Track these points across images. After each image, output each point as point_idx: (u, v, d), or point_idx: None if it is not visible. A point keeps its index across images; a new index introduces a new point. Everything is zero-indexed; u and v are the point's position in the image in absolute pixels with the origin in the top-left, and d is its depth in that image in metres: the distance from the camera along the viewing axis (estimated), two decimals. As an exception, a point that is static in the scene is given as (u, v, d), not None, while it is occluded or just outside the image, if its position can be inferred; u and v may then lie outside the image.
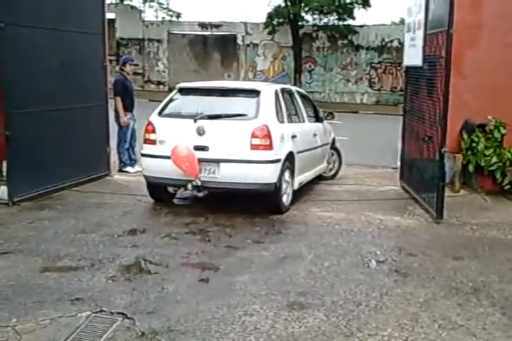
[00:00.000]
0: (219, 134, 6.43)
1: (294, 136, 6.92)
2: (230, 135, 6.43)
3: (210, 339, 3.68)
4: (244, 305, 4.18)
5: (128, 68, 9.08)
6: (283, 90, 7.38)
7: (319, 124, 8.44)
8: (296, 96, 7.92)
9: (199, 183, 6.28)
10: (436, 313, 4.16)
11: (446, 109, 6.34)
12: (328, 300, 4.33)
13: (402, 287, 4.64)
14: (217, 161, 6.32)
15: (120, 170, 8.80)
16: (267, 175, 6.35)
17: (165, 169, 6.40)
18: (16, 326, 3.78)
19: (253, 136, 6.31)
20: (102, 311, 4.02)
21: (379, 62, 25.21)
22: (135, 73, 26.75)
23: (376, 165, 10.18)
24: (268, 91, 6.87)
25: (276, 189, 6.43)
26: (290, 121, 7.17)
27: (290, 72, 25.07)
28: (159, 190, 7.02)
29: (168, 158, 6.30)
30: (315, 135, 7.99)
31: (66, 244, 5.38)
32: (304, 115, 7.85)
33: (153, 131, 6.61)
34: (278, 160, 6.41)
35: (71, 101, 7.41)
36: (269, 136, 6.33)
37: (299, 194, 7.62)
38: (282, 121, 6.85)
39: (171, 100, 6.94)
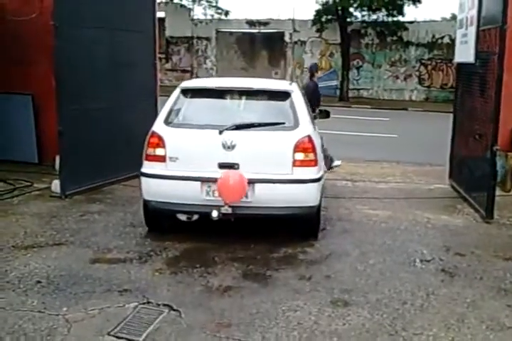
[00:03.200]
0: (252, 149, 5.20)
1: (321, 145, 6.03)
2: (266, 149, 5.21)
3: (253, 333, 3.72)
4: (288, 301, 4.19)
5: (318, 74, 9.61)
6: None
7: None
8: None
9: (229, 210, 4.95)
10: (484, 314, 4.08)
11: (498, 106, 6.19)
12: (372, 297, 4.30)
13: (448, 287, 4.57)
14: (251, 182, 5.04)
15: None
16: (311, 196, 5.23)
17: (178, 192, 5.14)
18: (66, 315, 3.91)
19: (296, 149, 5.15)
20: (148, 303, 4.11)
21: (429, 59, 24.71)
22: (183, 71, 27.24)
23: (424, 163, 10.01)
24: (297, 91, 5.76)
25: (318, 211, 5.45)
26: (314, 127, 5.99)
27: (337, 69, 24.84)
28: (162, 218, 5.68)
29: (185, 179, 5.12)
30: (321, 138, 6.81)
31: (115, 237, 5.52)
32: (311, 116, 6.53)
33: (161, 145, 5.21)
34: (321, 178, 5.36)
35: (121, 98, 7.56)
36: (313, 149, 5.24)
37: (345, 191, 7.57)
38: (314, 129, 5.87)
39: (176, 104, 5.55)
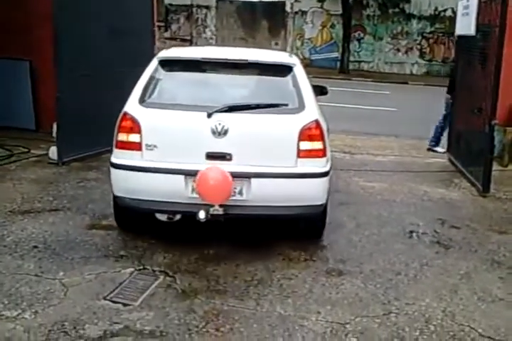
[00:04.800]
0: (247, 135, 4.30)
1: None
2: (265, 136, 4.33)
3: (248, 300, 3.76)
4: (282, 270, 4.23)
5: None
6: None
7: None
8: None
9: (219, 211, 4.14)
10: (477, 286, 4.13)
11: (497, 80, 6.16)
12: (366, 268, 4.35)
13: (443, 258, 4.61)
14: (247, 176, 4.22)
15: (429, 149, 8.78)
16: (319, 194, 4.41)
17: (156, 188, 4.27)
18: (63, 279, 3.94)
19: (302, 137, 4.29)
20: (144, 269, 4.15)
21: (431, 32, 24.44)
22: (182, 39, 26.91)
23: (423, 137, 9.99)
24: (300, 65, 4.81)
25: (324, 210, 4.66)
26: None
27: (338, 40, 24.57)
28: (135, 217, 4.77)
29: (165, 171, 4.25)
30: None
31: (112, 204, 5.52)
32: None
33: (136, 130, 4.29)
34: (329, 172, 4.49)
35: (119, 66, 7.45)
36: (322, 136, 4.38)
37: (343, 163, 7.57)
38: (320, 112, 4.76)
39: (153, 79, 4.58)
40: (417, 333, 3.46)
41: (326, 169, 4.43)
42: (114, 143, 4.42)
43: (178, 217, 4.62)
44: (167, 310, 3.60)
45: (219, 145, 4.27)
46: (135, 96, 4.46)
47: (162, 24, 25.78)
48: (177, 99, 4.53)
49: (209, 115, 4.25)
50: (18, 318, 3.42)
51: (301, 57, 24.17)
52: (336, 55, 24.51)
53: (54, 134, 7.16)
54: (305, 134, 4.32)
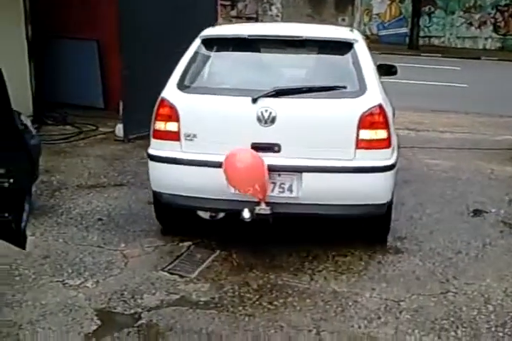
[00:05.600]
0: (298, 123, 3.82)
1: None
2: (319, 124, 3.83)
3: (302, 275, 3.78)
4: (338, 247, 4.20)
5: None
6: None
7: None
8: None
9: (266, 209, 3.73)
10: (542, 266, 3.98)
11: None
12: (426, 246, 4.26)
13: (507, 238, 4.47)
14: (298, 170, 3.78)
15: None
16: (382, 191, 3.90)
17: (196, 183, 3.87)
18: (124, 250, 4.09)
19: (362, 124, 3.76)
20: (202, 242, 4.23)
21: (506, 5, 23.18)
22: (248, 18, 26.82)
23: (494, 114, 9.61)
24: (362, 42, 4.33)
25: (388, 211, 4.09)
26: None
27: (408, 15, 23.76)
28: (178, 215, 4.36)
29: (205, 164, 3.84)
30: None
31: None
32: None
33: (174, 118, 3.90)
34: (395, 165, 3.95)
35: (182, 44, 7.54)
36: (386, 123, 3.83)
37: (407, 140, 7.40)
38: (385, 95, 4.24)
39: (194, 61, 4.14)
40: (475, 313, 3.38)
41: (391, 162, 3.87)
42: (151, 132, 4.04)
43: (221, 215, 4.34)
44: (222, 283, 3.67)
45: (266, 135, 3.80)
46: (173, 80, 4.05)
47: (228, 3, 25.78)
48: (220, 83, 4.15)
49: (254, 100, 3.78)
50: (81, 287, 3.59)
51: (368, 33, 23.63)
52: (405, 30, 23.72)
53: (120, 112, 7.35)
54: (366, 121, 3.76)
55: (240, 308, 3.38)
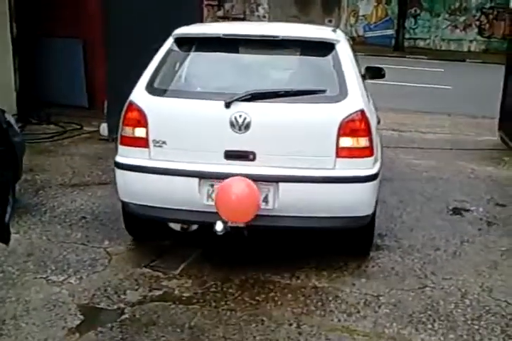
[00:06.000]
0: (275, 130, 3.58)
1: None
2: (297, 131, 3.59)
3: (284, 271, 3.83)
4: (320, 243, 4.25)
5: None
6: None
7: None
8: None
9: (240, 223, 3.48)
10: (518, 263, 4.07)
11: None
12: (405, 243, 4.34)
13: (485, 235, 4.56)
14: (274, 180, 3.54)
15: None
16: (363, 202, 3.69)
17: (166, 193, 3.63)
18: (107, 248, 4.12)
19: (342, 131, 3.53)
20: (185, 239, 4.27)
21: (491, 8, 23.47)
22: (235, 18, 26.87)
23: (477, 116, 9.75)
24: (344, 42, 4.10)
25: (371, 222, 3.90)
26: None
27: (394, 17, 23.95)
28: (146, 225, 4.13)
29: (175, 173, 3.60)
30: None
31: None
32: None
33: (142, 123, 3.64)
34: (378, 174, 3.73)
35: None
36: (368, 130, 3.60)
37: (390, 140, 7.49)
38: (368, 99, 4.08)
39: (166, 61, 3.89)
40: (452, 306, 3.46)
41: (373, 172, 3.64)
42: (119, 138, 3.80)
43: (194, 227, 4.10)
44: (205, 279, 3.72)
45: (240, 142, 3.55)
46: (143, 82, 3.77)
47: (215, 3, 25.82)
48: (192, 86, 3.93)
49: (227, 104, 3.52)
50: (64, 283, 3.62)
51: (355, 34, 23.79)
52: (391, 32, 23.92)
53: (105, 111, 7.37)
54: (346, 128, 3.53)
55: (223, 303, 3.43)
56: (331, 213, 3.60)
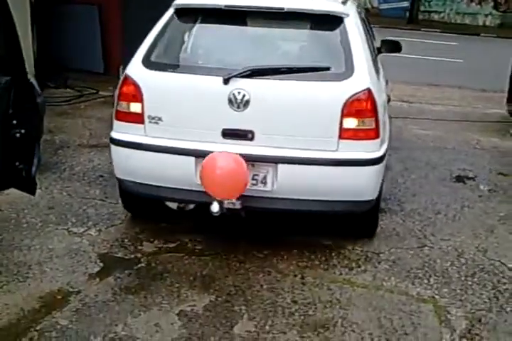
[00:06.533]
0: (275, 108, 3.41)
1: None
2: (298, 110, 3.41)
3: (292, 230, 4.05)
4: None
5: None
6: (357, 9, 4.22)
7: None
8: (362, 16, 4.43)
9: (236, 204, 3.37)
10: (515, 227, 4.26)
11: None
12: (407, 207, 4.54)
13: (485, 202, 4.74)
14: (273, 161, 3.40)
15: None
16: (368, 186, 3.53)
17: (162, 171, 3.53)
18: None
19: (346, 111, 3.34)
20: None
21: (508, -19, 23.19)
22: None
23: (487, 89, 9.81)
24: (354, 15, 3.84)
25: (375, 206, 3.75)
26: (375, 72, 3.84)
27: (409, -11, 23.74)
28: (143, 203, 4.00)
29: (170, 151, 3.47)
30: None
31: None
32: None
33: (138, 98, 3.49)
34: (383, 157, 3.56)
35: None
36: (374, 110, 3.40)
37: (399, 111, 7.63)
38: (378, 77, 3.87)
39: (165, 33, 3.68)
40: (448, 264, 3.67)
41: (379, 154, 3.46)
42: (114, 113, 3.65)
43: (191, 206, 4.00)
44: (218, 233, 3.94)
45: (238, 120, 3.39)
46: (139, 55, 3.59)
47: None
48: (190, 60, 3.76)
49: (225, 80, 3.33)
50: (84, 234, 3.86)
51: (369, 6, 23.58)
52: (406, 4, 23.71)
53: (120, 77, 7.53)
54: (351, 108, 3.32)
55: (232, 255, 3.65)
56: (333, 197, 3.46)
